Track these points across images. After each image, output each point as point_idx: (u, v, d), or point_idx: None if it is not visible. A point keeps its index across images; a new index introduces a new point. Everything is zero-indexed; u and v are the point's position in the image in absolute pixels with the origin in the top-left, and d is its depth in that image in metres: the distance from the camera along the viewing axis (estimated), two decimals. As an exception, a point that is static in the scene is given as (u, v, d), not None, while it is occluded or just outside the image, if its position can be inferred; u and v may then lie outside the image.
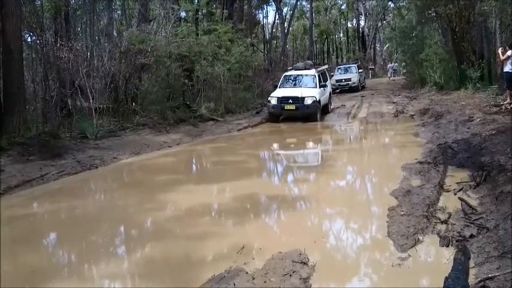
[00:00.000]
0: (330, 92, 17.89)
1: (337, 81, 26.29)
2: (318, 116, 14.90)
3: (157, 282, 3.82)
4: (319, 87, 15.65)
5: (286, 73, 17.27)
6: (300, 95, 14.55)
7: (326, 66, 20.08)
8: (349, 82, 26.42)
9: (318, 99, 14.74)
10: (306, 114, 14.53)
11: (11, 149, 8.45)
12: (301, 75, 16.39)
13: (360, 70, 28.79)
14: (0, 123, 9.32)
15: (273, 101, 14.98)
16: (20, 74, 9.63)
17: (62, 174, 7.87)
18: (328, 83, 17.33)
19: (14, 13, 9.39)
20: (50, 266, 4.38)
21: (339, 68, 29.41)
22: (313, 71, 16.30)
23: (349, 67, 28.72)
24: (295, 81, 16.26)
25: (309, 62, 19.24)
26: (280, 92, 15.36)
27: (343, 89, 25.82)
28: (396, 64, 37.77)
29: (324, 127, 14.42)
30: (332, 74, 27.58)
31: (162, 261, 4.26)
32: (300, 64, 17.75)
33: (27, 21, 11.64)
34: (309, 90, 15.04)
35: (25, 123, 9.46)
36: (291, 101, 14.59)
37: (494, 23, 17.80)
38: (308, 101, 14.45)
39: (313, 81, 15.78)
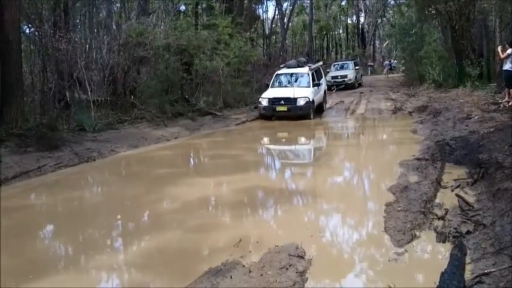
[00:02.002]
0: (325, 90, 17.20)
1: (332, 77, 25.73)
2: (312, 116, 14.25)
3: (154, 275, 3.83)
4: (313, 86, 14.99)
5: (278, 71, 16.51)
6: (292, 96, 13.95)
7: (320, 63, 19.20)
8: (345, 79, 25.80)
9: (311, 100, 14.15)
10: (298, 116, 13.83)
11: (8, 140, 8.42)
12: (293, 73, 15.69)
13: (357, 67, 28.20)
14: (-2, 114, 9.29)
15: (264, 102, 14.42)
16: (18, 65, 9.59)
17: (59, 166, 7.87)
18: (322, 80, 16.76)
19: (12, 3, 9.33)
20: (49, 257, 4.39)
21: (335, 65, 28.86)
22: (306, 69, 15.58)
23: (345, 64, 28.17)
24: (288, 80, 15.56)
25: (302, 59, 18.38)
26: (271, 93, 14.78)
27: (339, 86, 25.14)
28: (395, 61, 37.74)
29: (322, 123, 14.37)
30: (328, 70, 27.36)
31: (159, 254, 4.26)
32: (293, 62, 16.92)
33: (26, 12, 11.56)
34: (301, 90, 14.42)
35: (23, 114, 9.43)
36: (282, 102, 14.04)
37: (494, 21, 17.83)
38: (301, 102, 13.89)
39: (307, 80, 15.12)
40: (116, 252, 4.49)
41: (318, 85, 15.54)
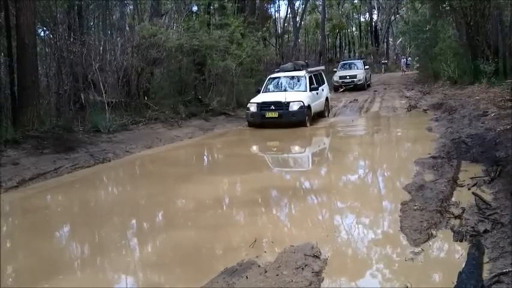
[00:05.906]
0: (328, 97, 15.29)
1: (340, 77, 24.61)
2: (308, 124, 12.55)
3: (169, 274, 3.85)
4: (310, 91, 13.29)
5: (272, 75, 14.79)
6: (283, 100, 12.33)
7: (322, 68, 17.21)
8: (355, 79, 24.15)
9: (306, 105, 12.47)
10: (291, 123, 12.18)
11: (25, 142, 8.57)
12: (288, 77, 14.15)
13: (366, 67, 26.62)
14: (15, 116, 9.46)
15: (253, 108, 12.77)
16: (34, 68, 9.74)
17: (75, 168, 7.96)
18: (324, 87, 15.05)
19: (28, 7, 9.48)
20: (69, 257, 4.46)
21: (343, 63, 27.54)
22: (302, 72, 13.94)
23: (354, 63, 26.77)
24: (282, 85, 13.96)
25: (301, 62, 16.61)
26: (261, 97, 13.16)
27: (348, 87, 23.79)
28: (410, 58, 37.42)
29: (336, 121, 14.23)
30: (335, 70, 26.84)
31: (174, 253, 4.29)
32: (289, 65, 15.32)
33: (41, 15, 11.73)
34: (295, 94, 12.84)
35: (39, 116, 9.58)
36: (273, 107, 12.37)
37: (510, 16, 17.50)
38: (294, 107, 12.23)
39: (303, 84, 13.51)
40: (132, 251, 4.51)
41: (317, 90, 13.80)
